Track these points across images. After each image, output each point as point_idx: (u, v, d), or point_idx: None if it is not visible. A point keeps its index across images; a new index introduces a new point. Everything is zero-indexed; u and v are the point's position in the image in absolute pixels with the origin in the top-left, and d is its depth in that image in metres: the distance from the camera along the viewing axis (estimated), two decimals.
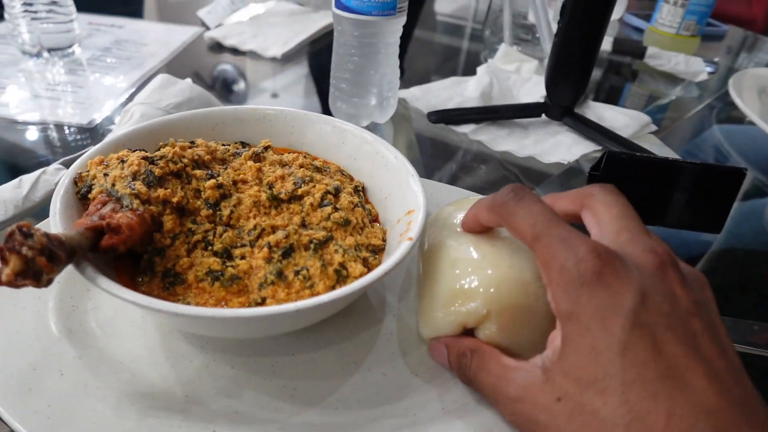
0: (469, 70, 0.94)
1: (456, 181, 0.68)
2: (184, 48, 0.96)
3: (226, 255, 0.37)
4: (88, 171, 0.40)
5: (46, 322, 0.39)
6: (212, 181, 0.40)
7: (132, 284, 0.37)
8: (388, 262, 0.35)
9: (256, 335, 0.39)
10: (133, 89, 0.80)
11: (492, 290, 0.34)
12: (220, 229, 0.39)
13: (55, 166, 0.53)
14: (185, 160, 0.41)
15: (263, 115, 0.51)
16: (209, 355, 0.39)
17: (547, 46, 0.88)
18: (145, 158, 0.40)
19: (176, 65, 0.90)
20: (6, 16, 0.81)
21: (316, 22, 1.07)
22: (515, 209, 0.33)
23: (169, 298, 0.36)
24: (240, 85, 0.91)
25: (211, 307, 0.35)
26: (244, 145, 0.50)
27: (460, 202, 0.42)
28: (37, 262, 0.27)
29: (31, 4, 0.79)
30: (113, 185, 0.38)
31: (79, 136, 0.69)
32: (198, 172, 0.41)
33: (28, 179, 0.51)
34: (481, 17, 1.27)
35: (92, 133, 0.70)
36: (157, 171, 0.39)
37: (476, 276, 0.35)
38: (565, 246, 0.30)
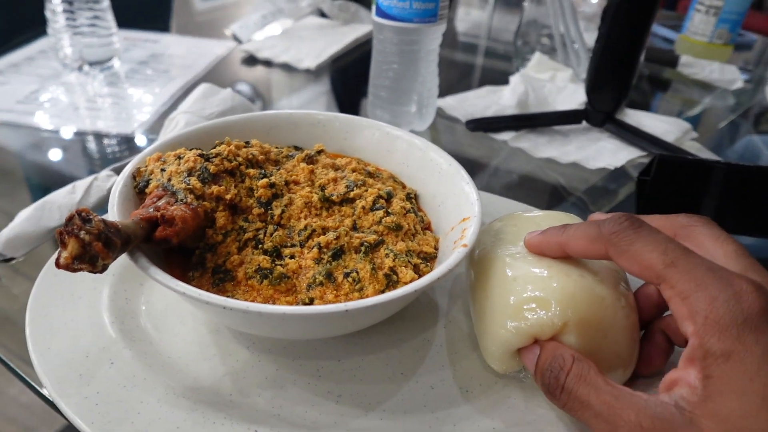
0: (496, 83, 0.93)
1: (500, 189, 0.67)
2: (219, 61, 0.98)
3: (276, 254, 0.37)
4: (146, 166, 0.41)
5: (99, 313, 0.40)
6: (265, 180, 0.40)
7: (183, 279, 0.37)
8: (440, 267, 0.34)
9: (303, 336, 0.39)
10: (172, 100, 0.82)
11: (568, 299, 0.32)
12: (271, 228, 0.39)
13: (106, 172, 0.55)
14: (240, 159, 0.41)
15: (317, 119, 0.51)
16: (255, 355, 0.38)
17: (575, 56, 0.86)
18: (201, 155, 0.40)
19: (212, 77, 0.92)
20: (49, 31, 0.84)
21: (347, 35, 1.08)
22: (635, 238, 0.30)
23: (219, 294, 0.35)
24: (276, 96, 0.92)
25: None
26: (297, 149, 0.50)
27: (514, 218, 0.41)
28: (94, 247, 0.28)
29: (74, 20, 0.82)
30: (169, 180, 0.38)
31: (122, 146, 0.71)
32: (251, 171, 0.41)
33: (81, 185, 0.53)
34: (495, 34, 1.26)
35: (134, 142, 0.72)
36: (212, 168, 0.39)
37: (545, 286, 0.33)
38: (716, 277, 0.27)
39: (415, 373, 0.38)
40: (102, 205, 0.53)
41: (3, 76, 0.86)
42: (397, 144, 0.49)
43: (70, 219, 0.28)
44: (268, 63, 0.99)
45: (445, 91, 0.78)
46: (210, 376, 0.37)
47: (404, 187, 0.48)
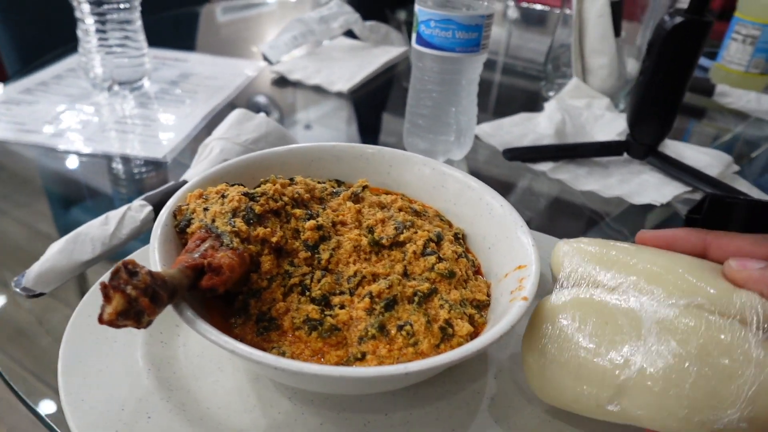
0: (527, 107, 0.91)
1: (541, 223, 0.65)
2: (249, 82, 0.97)
3: (325, 302, 0.35)
4: (187, 204, 0.39)
5: (134, 359, 0.38)
6: (312, 222, 0.38)
7: (224, 325, 0.35)
8: (502, 325, 0.31)
9: (354, 392, 0.36)
10: (204, 123, 0.80)
11: (753, 394, 0.27)
12: (318, 273, 0.36)
13: (139, 202, 0.53)
14: (285, 198, 0.39)
15: (361, 152, 0.49)
16: (298, 407, 0.36)
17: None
18: (245, 194, 0.38)
19: (243, 98, 0.91)
20: (80, 50, 0.83)
21: (378, 57, 1.07)
22: None
23: (263, 344, 0.34)
24: (308, 119, 0.90)
25: (309, 359, 0.32)
26: (339, 183, 0.48)
27: (601, 258, 0.35)
28: (140, 303, 0.26)
29: (106, 39, 0.81)
30: (213, 221, 0.36)
31: (152, 171, 0.69)
32: (297, 211, 0.39)
33: (114, 216, 0.51)
34: (514, 51, 1.24)
35: (164, 167, 0.70)
36: (257, 208, 0.37)
37: (736, 373, 0.28)
38: None
39: (467, 430, 0.36)
40: (135, 237, 0.51)
41: (31, 95, 0.85)
42: (447, 182, 0.47)
43: (116, 273, 0.26)
44: (298, 84, 0.98)
45: (481, 114, 0.76)
46: (251, 429, 0.34)
47: (451, 226, 0.46)
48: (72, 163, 0.71)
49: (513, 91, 1.08)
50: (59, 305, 0.47)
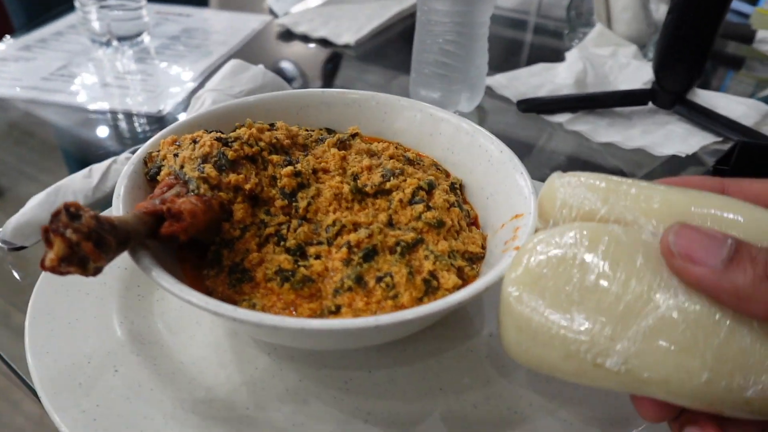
0: (547, 60, 0.85)
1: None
2: (253, 36, 0.93)
3: (300, 253, 0.33)
4: (159, 151, 0.37)
5: (108, 311, 0.36)
6: (289, 168, 0.36)
7: (197, 278, 0.33)
8: (489, 275, 0.29)
9: (327, 347, 0.34)
10: (203, 77, 0.78)
11: None
12: (295, 222, 0.34)
13: (125, 155, 0.52)
14: (262, 144, 0.36)
15: (352, 99, 0.46)
16: (277, 363, 0.34)
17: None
18: (218, 139, 0.36)
19: (246, 53, 0.88)
20: (76, 4, 0.81)
21: (389, 9, 1.01)
22: None
23: (235, 297, 0.31)
24: (312, 73, 0.87)
25: (281, 312, 0.30)
26: (330, 132, 0.45)
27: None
28: (83, 248, 0.24)
29: None
30: (182, 167, 0.34)
31: (148, 126, 0.68)
32: (275, 157, 0.37)
33: (98, 169, 0.49)
34: (546, 10, 1.18)
35: (163, 121, 0.68)
36: (230, 154, 0.35)
37: None
38: None
39: (456, 389, 0.34)
40: None
41: (30, 52, 0.84)
42: (441, 127, 0.44)
43: (56, 215, 0.24)
44: (305, 38, 0.94)
45: (493, 69, 0.72)
46: (224, 387, 0.33)
47: (448, 176, 0.43)
48: (69, 118, 0.69)
49: (531, 50, 1.03)
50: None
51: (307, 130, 0.43)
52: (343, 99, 0.46)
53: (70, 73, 0.77)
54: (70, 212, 0.24)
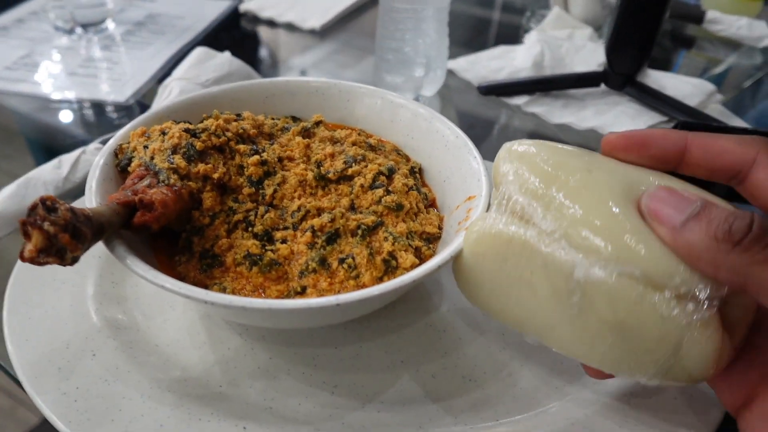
0: (509, 39, 0.88)
1: None
2: (219, 21, 0.93)
3: (267, 238, 0.35)
4: (129, 142, 0.38)
5: (83, 299, 0.38)
6: (256, 157, 0.37)
7: (169, 264, 0.35)
8: (443, 253, 0.31)
9: (294, 326, 0.37)
10: (169, 65, 0.78)
11: (665, 368, 0.27)
12: (262, 209, 0.36)
13: (94, 145, 0.52)
14: (229, 134, 0.38)
15: (315, 87, 0.48)
16: (248, 343, 0.36)
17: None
18: (186, 131, 0.37)
19: (212, 39, 0.88)
20: None
21: None
22: None
23: (206, 281, 0.33)
24: (278, 58, 0.88)
25: (250, 295, 0.32)
26: (295, 120, 0.47)
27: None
28: (60, 239, 0.25)
29: None
30: (152, 158, 0.35)
31: (115, 114, 0.68)
32: (242, 147, 0.38)
33: (67, 159, 0.50)
34: None
35: (129, 110, 0.68)
36: (198, 144, 0.36)
37: (655, 350, 0.27)
38: None
39: (416, 361, 0.36)
40: None
41: None
42: (400, 113, 0.46)
43: (33, 208, 0.25)
44: (271, 23, 0.94)
45: (456, 48, 0.74)
46: (199, 366, 0.35)
47: (408, 160, 0.45)
48: (33, 108, 0.69)
49: (498, 28, 1.05)
50: (14, 250, 0.46)
51: (273, 119, 0.44)
52: (306, 87, 0.48)
53: (34, 62, 0.77)
54: (47, 205, 0.25)
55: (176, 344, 0.36)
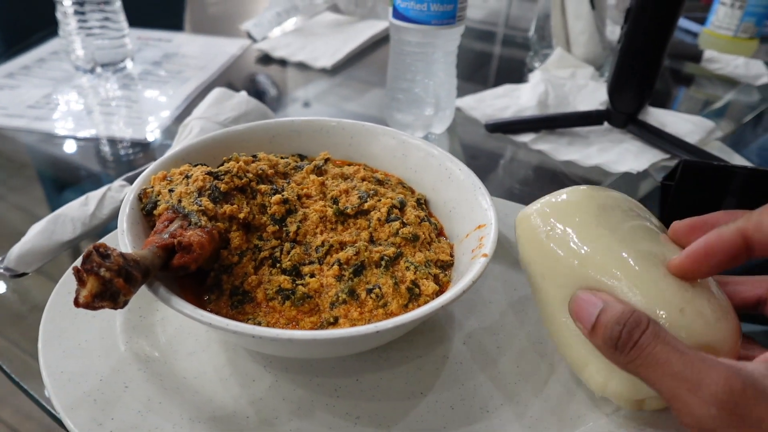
0: (515, 76, 0.92)
1: (520, 193, 0.67)
2: (233, 61, 0.96)
3: (295, 272, 0.37)
4: (152, 187, 0.40)
5: (113, 332, 0.39)
6: (278, 196, 0.40)
7: (198, 302, 0.37)
8: (465, 279, 0.34)
9: (326, 355, 0.38)
10: (186, 103, 0.80)
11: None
12: (287, 245, 0.38)
13: (119, 182, 0.54)
14: (250, 175, 0.40)
15: (320, 126, 0.50)
16: (272, 375, 0.38)
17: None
18: (209, 173, 0.39)
19: (227, 77, 0.91)
20: (60, 32, 0.82)
21: (363, 32, 1.07)
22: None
23: (238, 317, 0.35)
24: (292, 97, 0.90)
25: (284, 327, 0.34)
26: (302, 157, 0.49)
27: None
28: (115, 284, 0.27)
29: (85, 21, 0.80)
30: (179, 201, 0.37)
31: (136, 152, 0.70)
32: (263, 186, 0.40)
33: (94, 197, 0.52)
34: (513, 22, 1.25)
35: (149, 147, 0.70)
36: (222, 186, 0.38)
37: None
38: None
39: (434, 391, 0.38)
40: (115, 217, 0.52)
41: (14, 80, 0.84)
42: (411, 151, 0.48)
43: (87, 256, 0.27)
44: (283, 62, 0.98)
45: (461, 83, 0.77)
46: (226, 398, 0.36)
47: (413, 192, 0.47)
48: (56, 146, 0.71)
49: (500, 62, 1.09)
50: (43, 284, 0.48)
51: (282, 158, 0.47)
52: (311, 126, 0.50)
53: (56, 101, 0.78)
54: (100, 252, 0.27)
55: (203, 377, 0.37)
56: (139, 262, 0.29)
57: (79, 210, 0.50)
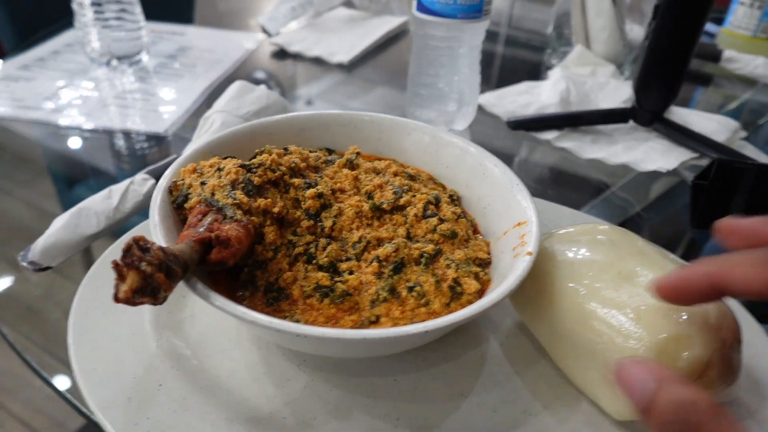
0: (531, 75, 0.91)
1: (545, 191, 0.65)
2: (248, 55, 0.95)
3: (332, 269, 0.36)
4: (182, 180, 0.39)
5: (143, 329, 0.38)
6: (312, 190, 0.38)
7: (232, 298, 0.35)
8: (511, 278, 0.32)
9: (366, 355, 0.37)
10: (203, 97, 0.79)
11: (710, 331, 0.30)
12: (323, 241, 0.37)
13: (141, 176, 0.53)
14: (283, 168, 0.39)
15: (350, 119, 0.49)
16: (307, 373, 0.37)
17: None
18: (242, 166, 0.38)
19: (242, 72, 0.90)
20: (76, 24, 0.81)
21: (379, 28, 1.06)
22: None
23: (275, 315, 0.34)
24: (308, 92, 0.89)
25: (323, 326, 0.33)
26: (330, 151, 0.48)
27: (576, 232, 0.39)
28: (156, 279, 0.26)
29: (101, 12, 0.79)
30: (212, 194, 0.36)
31: (153, 145, 0.69)
32: (296, 180, 0.39)
33: (117, 190, 0.51)
34: (516, 22, 1.24)
35: (165, 141, 0.69)
36: (256, 180, 0.37)
37: (685, 316, 0.30)
38: None
39: (474, 393, 0.36)
40: (138, 210, 0.51)
41: (29, 71, 0.83)
42: (446, 148, 0.47)
43: (127, 249, 0.26)
44: (298, 56, 0.96)
45: (484, 83, 0.76)
46: (260, 398, 0.35)
47: (445, 188, 0.46)
48: (73, 139, 0.70)
49: (516, 62, 1.07)
50: (65, 279, 0.47)
51: (311, 151, 0.45)
52: (340, 120, 0.49)
53: (71, 93, 0.77)
54: (140, 245, 0.26)
55: (236, 375, 0.36)
56: (178, 257, 0.28)
57: (102, 203, 0.49)
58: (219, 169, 0.38)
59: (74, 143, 0.70)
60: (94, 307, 0.38)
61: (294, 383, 0.36)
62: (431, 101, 0.69)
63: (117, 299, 0.26)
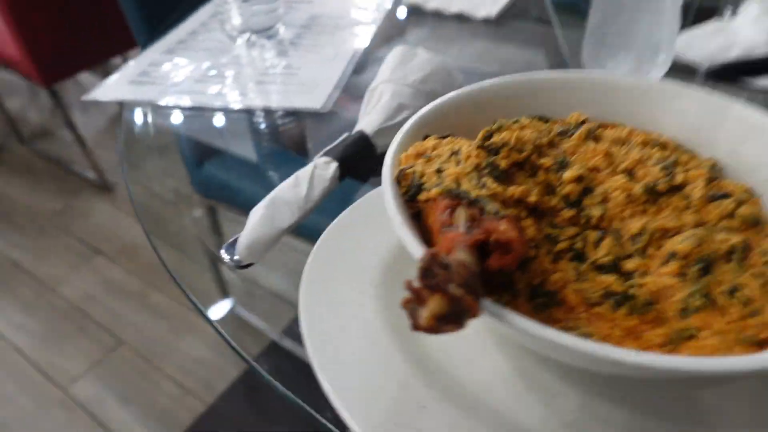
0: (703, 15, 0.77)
1: None
2: (384, 15, 0.88)
3: (615, 269, 0.29)
4: (412, 168, 0.34)
5: (379, 336, 0.34)
6: (570, 172, 0.32)
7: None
8: None
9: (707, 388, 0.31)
10: (351, 66, 0.74)
11: None
12: (593, 234, 0.31)
13: (323, 159, 0.49)
14: (529, 147, 0.33)
15: (564, 82, 0.42)
16: (576, 389, 0.31)
17: None
18: (482, 147, 0.33)
19: (382, 37, 0.83)
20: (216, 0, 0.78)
21: None
22: None
23: (550, 324, 0.28)
24: (455, 55, 0.80)
25: (622, 342, 0.27)
26: (544, 120, 0.41)
27: None
28: (464, 302, 0.21)
29: None
30: (457, 184, 0.31)
31: (315, 122, 0.65)
32: (545, 161, 0.33)
33: (303, 177, 0.47)
34: None
35: (322, 116, 0.66)
36: (502, 163, 0.32)
37: None
38: None
39: None
40: (325, 196, 0.47)
41: (174, 55, 0.81)
42: (683, 102, 0.39)
43: (428, 269, 0.21)
44: (438, 14, 0.88)
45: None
46: (532, 420, 0.30)
47: (694, 156, 0.38)
48: (235, 121, 0.68)
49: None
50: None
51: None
52: (553, 83, 0.42)
53: (220, 73, 0.75)
54: (438, 262, 0.21)
55: (495, 391, 0.31)
56: (475, 272, 0.23)
57: (291, 192, 0.46)
58: (455, 153, 0.33)
59: (240, 127, 0.67)
60: (325, 317, 0.35)
61: (564, 401, 0.31)
62: (618, 49, 0.60)
63: (417, 327, 0.21)
